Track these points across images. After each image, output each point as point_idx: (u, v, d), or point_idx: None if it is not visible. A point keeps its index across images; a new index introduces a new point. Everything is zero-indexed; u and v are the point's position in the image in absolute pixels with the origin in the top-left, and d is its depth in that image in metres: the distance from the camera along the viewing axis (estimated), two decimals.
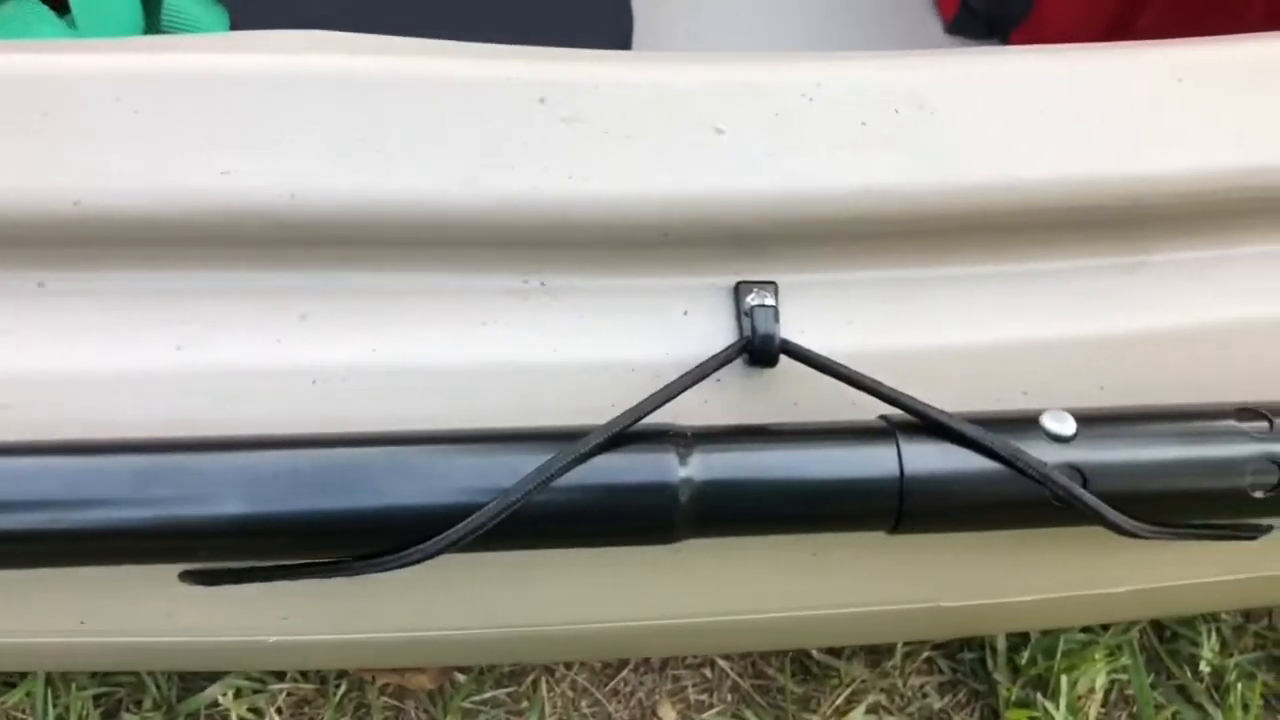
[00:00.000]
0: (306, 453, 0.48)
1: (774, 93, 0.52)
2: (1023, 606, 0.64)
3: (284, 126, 0.50)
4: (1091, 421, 0.51)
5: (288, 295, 0.52)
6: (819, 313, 0.54)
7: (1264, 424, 0.52)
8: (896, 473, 0.50)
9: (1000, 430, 0.50)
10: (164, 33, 0.80)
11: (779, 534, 0.52)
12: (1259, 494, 0.52)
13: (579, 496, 0.49)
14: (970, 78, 0.53)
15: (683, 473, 0.49)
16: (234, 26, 0.83)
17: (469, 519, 0.47)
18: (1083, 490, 0.49)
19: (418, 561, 0.48)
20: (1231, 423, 0.52)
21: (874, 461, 0.50)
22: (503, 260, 0.53)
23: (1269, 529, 0.57)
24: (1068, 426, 0.50)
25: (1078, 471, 0.50)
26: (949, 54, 0.55)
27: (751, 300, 0.53)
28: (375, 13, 0.87)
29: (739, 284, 0.54)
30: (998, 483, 0.50)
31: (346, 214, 0.50)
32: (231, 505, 0.48)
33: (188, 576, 0.52)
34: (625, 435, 0.49)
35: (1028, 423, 0.51)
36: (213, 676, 0.89)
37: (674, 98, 0.52)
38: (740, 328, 0.53)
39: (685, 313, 0.54)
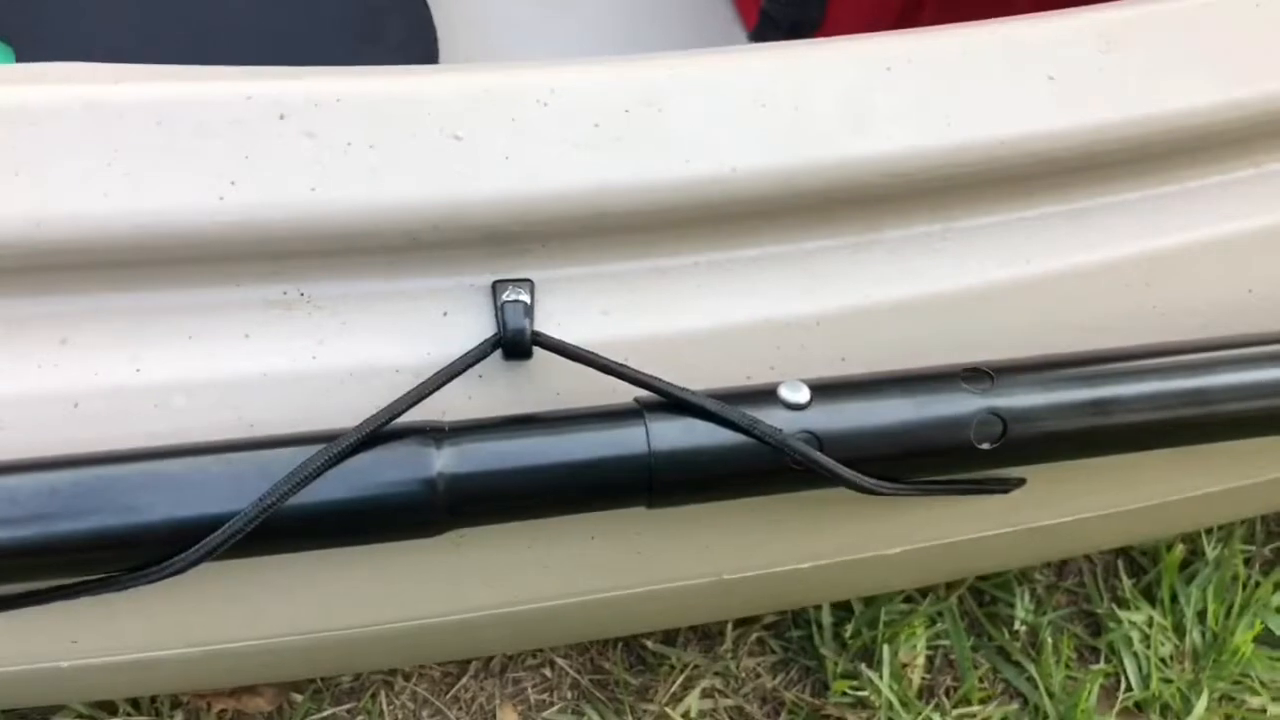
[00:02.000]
0: (63, 472, 0.49)
1: (509, 98, 0.55)
2: (806, 574, 0.67)
3: (27, 156, 0.51)
4: (826, 390, 0.55)
5: (46, 320, 0.53)
6: (575, 305, 0.57)
7: (987, 381, 0.56)
8: (645, 449, 0.52)
9: (741, 403, 0.53)
10: None
11: (540, 517, 0.54)
12: (986, 446, 0.56)
13: (338, 495, 0.50)
14: (695, 77, 0.56)
15: (438, 465, 0.51)
16: (20, 61, 0.83)
17: (225, 526, 0.48)
18: (818, 453, 0.53)
19: (180, 571, 0.49)
20: (958, 382, 0.56)
21: (623, 441, 0.53)
22: (261, 273, 0.55)
23: (1021, 481, 0.61)
24: (802, 395, 0.54)
25: (814, 436, 0.53)
26: (675, 55, 0.58)
27: (504, 297, 0.55)
28: (158, 46, 0.87)
29: (496, 282, 0.56)
30: (740, 452, 0.53)
31: (96, 238, 0.51)
32: None
33: None
34: (382, 434, 0.51)
35: (766, 394, 0.54)
36: (42, 717, 0.88)
37: (412, 108, 0.54)
38: (498, 324, 0.55)
39: (445, 313, 0.56)
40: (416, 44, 1.00)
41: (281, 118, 0.53)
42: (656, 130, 0.55)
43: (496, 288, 0.56)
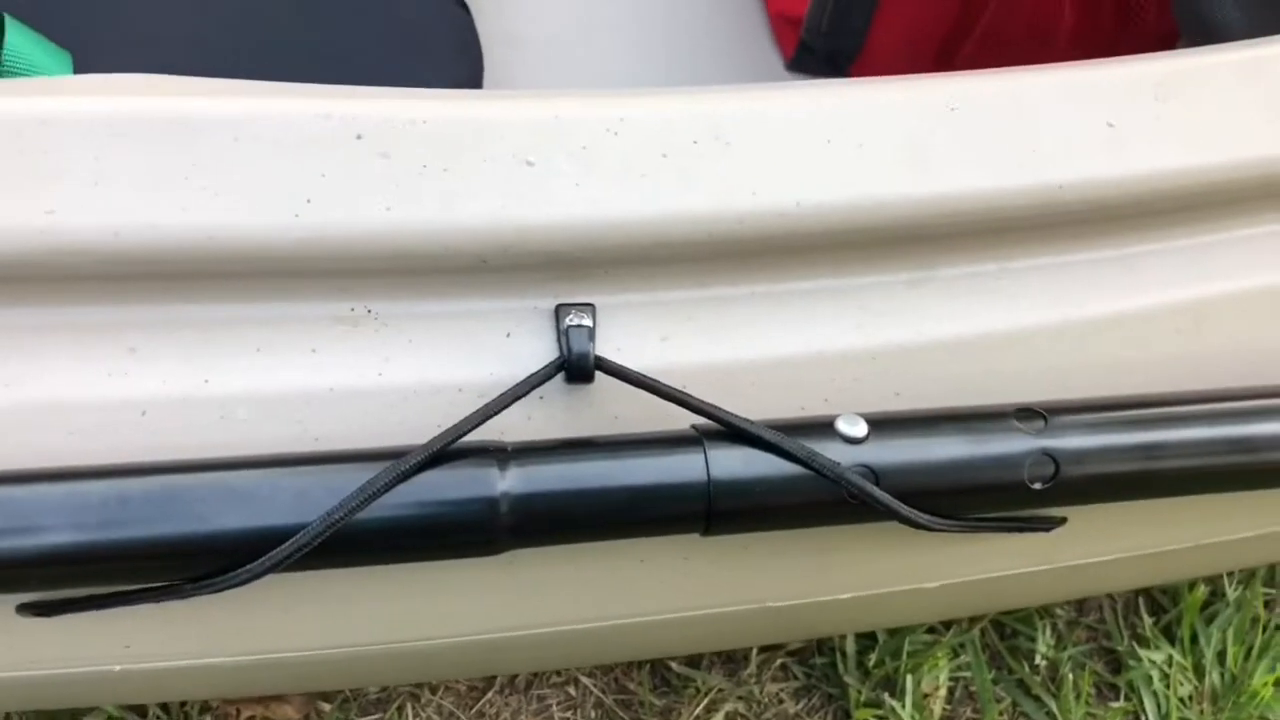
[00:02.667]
0: (133, 480, 0.50)
1: (581, 127, 0.56)
2: (845, 605, 0.68)
3: (108, 166, 0.52)
4: (883, 424, 0.56)
5: (117, 329, 0.54)
6: (636, 331, 0.58)
7: (1040, 422, 0.57)
8: (704, 477, 0.53)
9: (799, 435, 0.54)
10: (3, 77, 0.81)
11: (597, 540, 0.55)
12: (1038, 485, 0.56)
13: (403, 512, 0.51)
14: (763, 111, 0.57)
15: (502, 486, 0.52)
16: (79, 71, 0.84)
17: (293, 539, 0.49)
18: (874, 487, 0.54)
19: (245, 582, 0.50)
20: (1011, 421, 0.57)
21: (683, 468, 0.53)
22: (330, 289, 0.55)
23: (1062, 521, 0.62)
24: (860, 429, 0.55)
25: (870, 470, 0.54)
26: (746, 89, 0.59)
27: (569, 321, 0.56)
28: (216, 59, 0.88)
29: (559, 306, 0.57)
30: (798, 483, 0.54)
31: (172, 249, 0.52)
32: (62, 534, 0.49)
33: (25, 609, 0.53)
34: (447, 452, 0.52)
35: (824, 427, 0.55)
36: (72, 717, 0.89)
37: (487, 133, 0.55)
38: (560, 347, 0.56)
39: (509, 335, 0.57)
40: (463, 62, 1.00)
41: (358, 138, 0.54)
42: (724, 162, 0.56)
43: (560, 311, 0.57)
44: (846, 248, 0.59)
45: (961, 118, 0.59)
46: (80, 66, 0.86)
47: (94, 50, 0.85)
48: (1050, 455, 0.56)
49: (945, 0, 1.09)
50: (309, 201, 0.53)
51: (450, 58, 1.00)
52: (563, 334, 0.56)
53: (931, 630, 1.01)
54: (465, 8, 1.04)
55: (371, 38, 0.98)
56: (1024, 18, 1.05)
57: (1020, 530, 0.60)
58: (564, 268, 0.57)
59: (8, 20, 0.83)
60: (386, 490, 0.50)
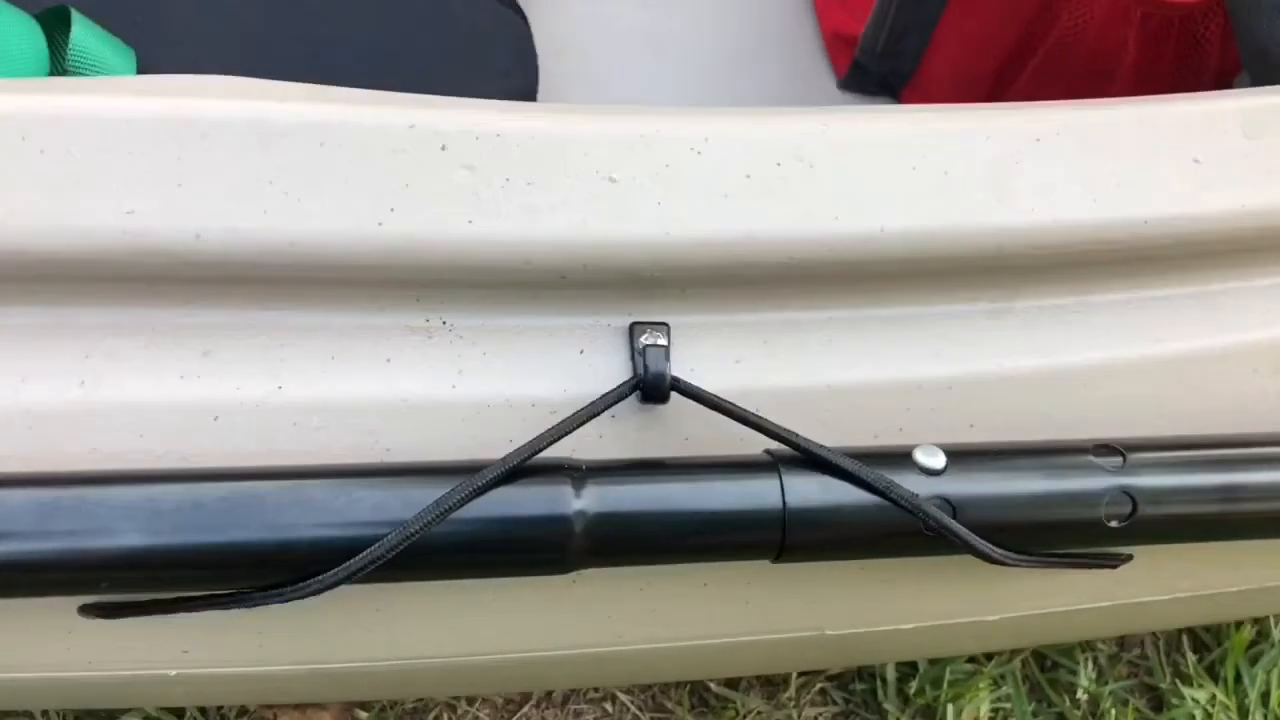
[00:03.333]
0: (207, 485, 0.50)
1: (664, 145, 0.55)
2: (902, 635, 0.67)
3: (190, 168, 0.51)
4: (961, 456, 0.55)
5: (192, 332, 0.54)
6: (709, 352, 0.57)
7: (1118, 459, 0.56)
8: (779, 504, 0.52)
9: (876, 464, 0.53)
10: (70, 74, 0.81)
11: (669, 563, 0.54)
12: (1114, 524, 0.56)
13: (476, 528, 0.51)
14: (847, 135, 0.57)
15: (577, 505, 0.51)
16: (142, 68, 0.84)
17: (367, 551, 0.49)
18: (952, 520, 0.53)
19: (316, 593, 0.49)
20: (1089, 458, 0.56)
21: (758, 494, 0.53)
22: (406, 299, 0.55)
23: (1129, 558, 0.61)
24: (938, 460, 0.54)
25: (947, 503, 0.53)
26: (829, 111, 0.59)
27: (644, 340, 0.56)
28: (273, 59, 0.88)
29: (633, 324, 0.57)
30: (873, 513, 0.53)
31: (252, 254, 0.52)
32: (132, 537, 0.49)
33: (88, 610, 0.53)
34: (522, 469, 0.51)
35: (901, 457, 0.54)
36: (109, 716, 0.88)
37: (570, 148, 0.54)
38: (634, 366, 0.56)
39: (582, 351, 0.56)
40: (519, 73, 1.00)
41: (443, 149, 0.53)
42: (807, 185, 0.56)
43: (634, 330, 0.56)
44: (927, 276, 0.58)
45: (1047, 148, 0.58)
46: (143, 66, 0.86)
47: (152, 47, 0.85)
48: (1128, 493, 0.55)
49: (1005, 27, 1.08)
50: (392, 211, 0.52)
51: (506, 66, 1.00)
52: (638, 353, 0.55)
53: (972, 660, 1.00)
54: (523, 16, 1.03)
55: (429, 43, 0.98)
56: (1086, 50, 1.04)
57: (1091, 567, 0.59)
58: (641, 286, 0.56)
59: (74, 15, 0.83)
60: (462, 505, 0.50)
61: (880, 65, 1.20)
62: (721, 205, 0.55)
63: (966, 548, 0.53)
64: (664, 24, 1.20)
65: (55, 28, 0.82)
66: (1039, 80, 1.10)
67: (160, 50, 0.87)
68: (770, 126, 0.57)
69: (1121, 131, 0.59)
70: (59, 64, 0.82)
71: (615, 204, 0.54)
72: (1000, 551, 0.54)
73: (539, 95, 1.01)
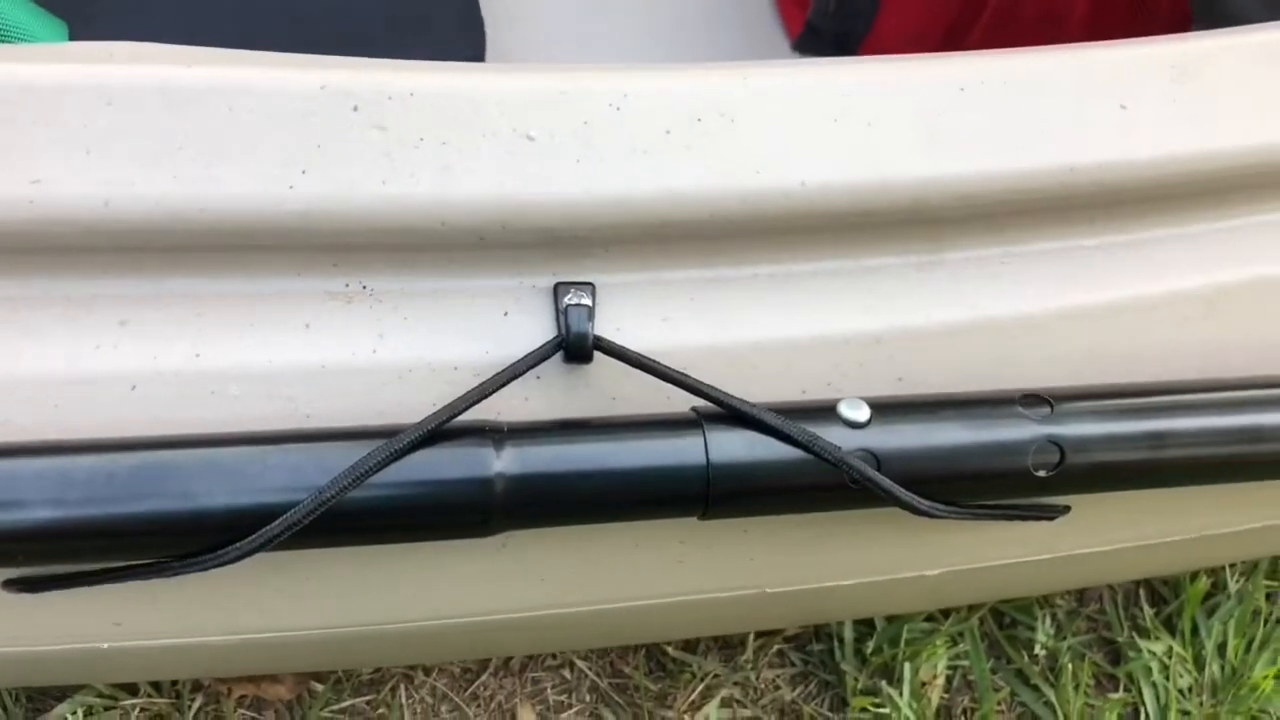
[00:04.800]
0: (120, 455, 0.49)
1: (583, 101, 0.54)
2: (845, 591, 0.67)
3: (98, 135, 0.51)
4: (885, 409, 0.54)
5: (107, 302, 0.53)
6: (635, 311, 0.57)
7: (1046, 408, 0.56)
8: (703, 460, 0.52)
9: (800, 418, 0.53)
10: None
11: (594, 523, 0.54)
12: (1042, 473, 0.55)
13: (396, 492, 0.50)
14: (768, 88, 0.56)
15: (498, 466, 0.51)
16: (73, 39, 0.83)
17: (283, 517, 0.48)
18: (876, 472, 0.53)
19: (235, 560, 0.49)
20: (1016, 408, 0.56)
21: (682, 450, 0.52)
22: (324, 264, 0.54)
23: (1066, 510, 0.61)
24: (862, 413, 0.54)
25: (872, 455, 0.53)
26: (749, 65, 0.58)
27: (567, 300, 0.55)
28: (216, 31, 0.87)
29: (557, 284, 0.56)
30: (798, 467, 0.53)
31: (163, 220, 0.51)
32: (47, 509, 0.48)
33: (11, 584, 0.53)
34: (442, 431, 0.51)
35: (826, 411, 0.54)
36: (61, 695, 0.88)
37: (486, 106, 0.54)
38: (558, 327, 0.55)
39: (506, 313, 0.56)
40: (465, 39, 0.99)
41: (355, 109, 0.53)
42: (727, 140, 0.55)
43: (559, 290, 0.56)
44: (853, 229, 0.57)
45: (972, 98, 0.57)
46: (75, 35, 0.84)
47: (87, 19, 0.84)
48: (1055, 442, 0.55)
49: None
50: (304, 173, 0.52)
51: (453, 35, 0.99)
52: (561, 313, 0.55)
53: (930, 619, 1.00)
54: None
55: (373, 13, 0.96)
56: (1035, 3, 1.03)
57: (1023, 518, 0.59)
58: (563, 246, 0.56)
59: None
60: (379, 469, 0.49)
61: (834, 26, 1.19)
62: (641, 162, 0.54)
63: (892, 500, 0.53)
64: None
65: None
66: (991, 35, 1.10)
67: (91, 23, 0.85)
68: (690, 81, 0.56)
69: (1048, 79, 0.59)
70: None
71: (532, 161, 0.53)
72: (927, 503, 0.54)
73: (486, 62, 1.00)
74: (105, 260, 0.53)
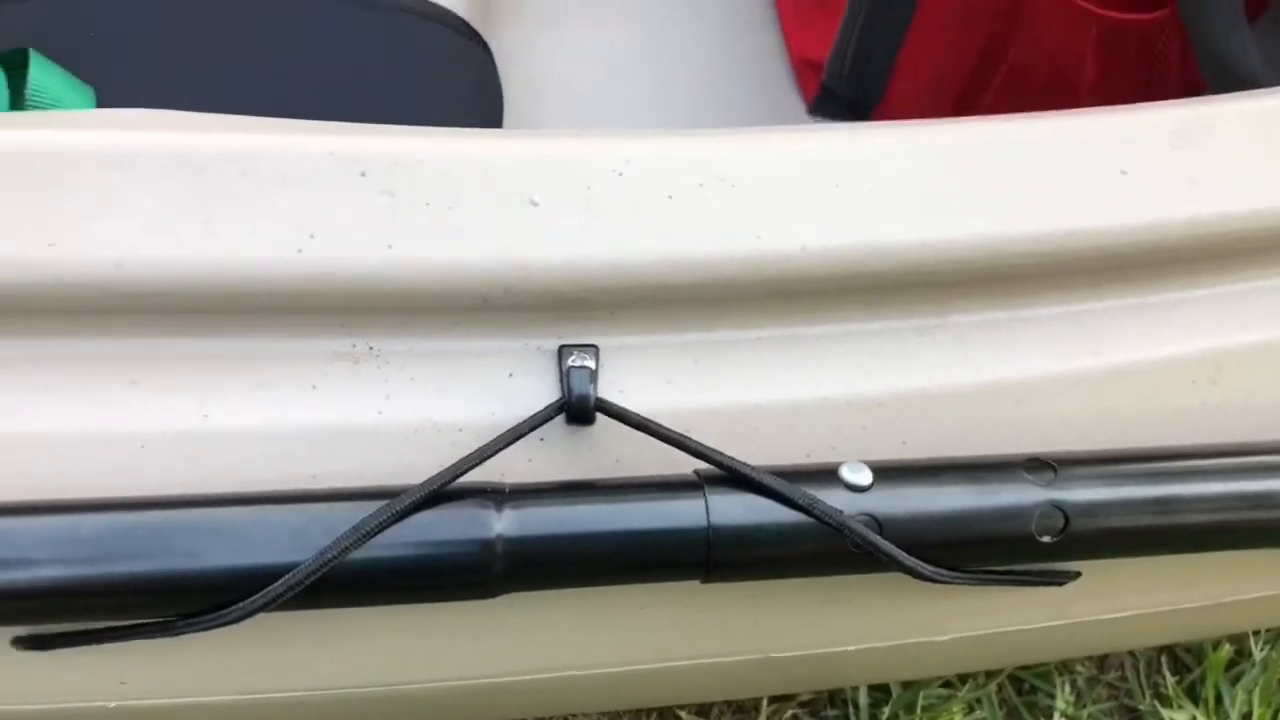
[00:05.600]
0: (127, 514, 0.50)
1: (586, 167, 0.55)
2: (851, 657, 0.66)
3: (111, 200, 0.52)
4: (888, 472, 0.54)
5: (118, 362, 0.54)
6: (638, 373, 0.57)
7: (1050, 473, 0.55)
8: (704, 523, 0.52)
9: (801, 482, 0.53)
10: (29, 109, 0.82)
11: (594, 585, 0.54)
12: (1047, 539, 0.55)
13: (398, 552, 0.51)
14: (769, 154, 0.57)
15: (498, 527, 0.51)
16: (102, 105, 0.85)
17: (285, 577, 0.49)
18: (878, 537, 0.53)
19: (238, 619, 0.49)
20: (1020, 472, 0.56)
21: (683, 513, 0.52)
22: (332, 325, 0.55)
23: (1075, 575, 0.60)
24: (864, 477, 0.54)
25: (874, 519, 0.53)
26: (751, 132, 0.59)
27: (570, 362, 0.56)
28: (237, 98, 0.89)
29: (562, 347, 0.57)
30: (800, 531, 0.53)
31: (174, 283, 0.52)
32: (54, 568, 0.49)
33: (20, 642, 0.53)
34: (444, 493, 0.51)
35: (827, 474, 0.54)
36: None
37: (491, 171, 0.55)
38: (561, 389, 0.56)
39: (510, 375, 0.56)
40: (482, 102, 1.01)
41: (363, 175, 0.54)
42: (729, 205, 0.56)
43: (563, 352, 0.56)
44: (855, 293, 0.58)
45: (972, 162, 0.58)
46: (103, 101, 0.87)
47: (117, 85, 0.86)
48: (1059, 508, 0.55)
49: (965, 49, 1.08)
50: (312, 237, 0.53)
51: (469, 96, 1.00)
52: (565, 375, 0.55)
53: (947, 684, 0.99)
54: (485, 46, 1.04)
55: (390, 75, 0.98)
56: (1045, 67, 1.04)
57: (1029, 584, 0.59)
58: (568, 308, 0.56)
59: (32, 55, 0.84)
60: (381, 530, 0.50)
61: (847, 90, 1.20)
62: (645, 227, 0.55)
63: (895, 565, 0.53)
64: (631, 54, 1.21)
65: (15, 68, 0.84)
66: (1003, 99, 1.11)
67: (120, 89, 0.88)
68: (693, 148, 0.57)
69: (1049, 144, 0.60)
70: (18, 103, 0.83)
71: (536, 226, 0.54)
72: (930, 569, 0.54)
73: (504, 125, 1.02)
74: (117, 321, 0.54)
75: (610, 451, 0.56)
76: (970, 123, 0.60)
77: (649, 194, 0.55)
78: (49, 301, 0.52)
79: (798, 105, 1.24)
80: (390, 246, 0.53)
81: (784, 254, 0.55)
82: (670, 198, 0.55)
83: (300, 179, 0.53)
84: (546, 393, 0.56)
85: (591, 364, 0.56)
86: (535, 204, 0.55)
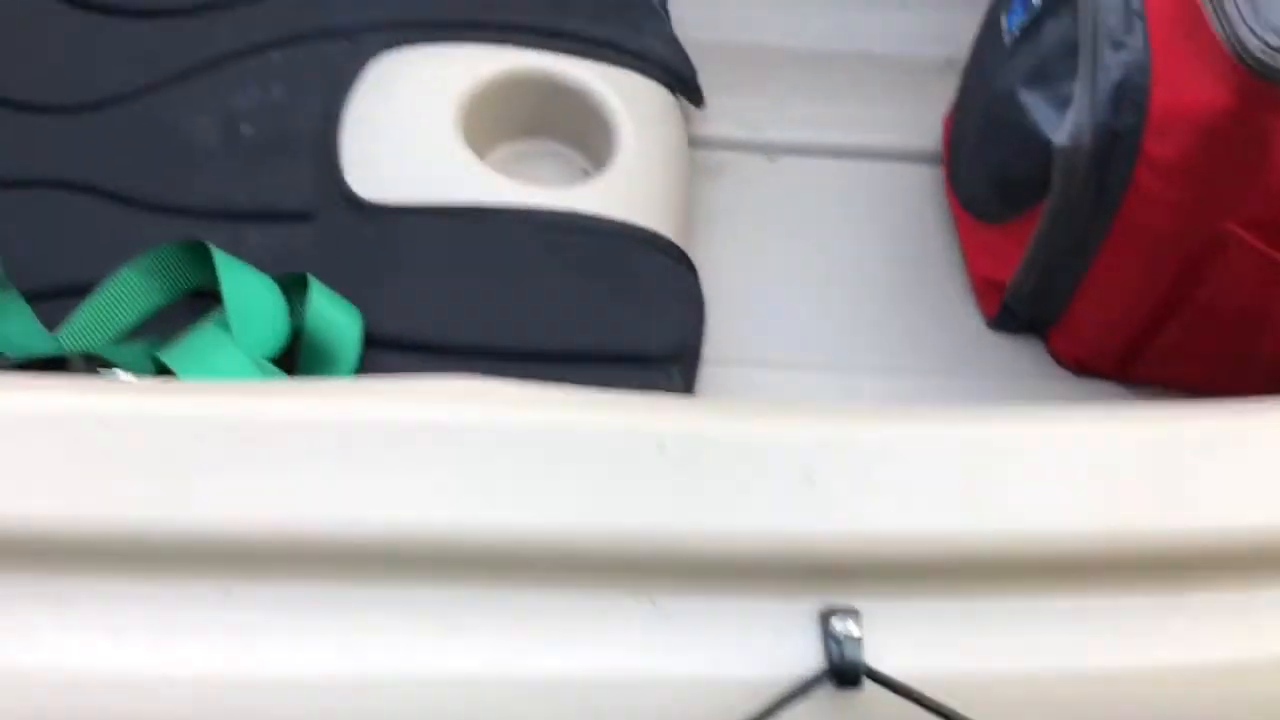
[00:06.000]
0: None
1: (857, 449, 0.62)
2: None
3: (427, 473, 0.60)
4: None
5: (425, 612, 0.60)
6: (896, 638, 0.61)
7: None
8: None
9: None
10: (308, 331, 0.91)
11: None
12: None
13: None
14: (1030, 439, 0.63)
15: None
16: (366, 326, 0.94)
17: None
18: None
19: None
20: None
21: None
22: (619, 581, 0.61)
23: None
24: None
25: None
26: (1012, 416, 0.65)
27: (837, 627, 0.60)
28: (484, 322, 0.97)
29: (825, 612, 0.61)
30: None
31: (478, 543, 0.59)
32: None
33: None
34: None
35: None
36: None
37: (775, 450, 0.61)
38: (827, 650, 0.60)
39: (778, 633, 0.61)
40: (690, 326, 1.06)
41: (660, 449, 0.60)
42: (990, 484, 0.61)
43: (826, 617, 0.61)
44: (1094, 570, 0.62)
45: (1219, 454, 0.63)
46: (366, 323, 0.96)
47: (378, 314, 0.96)
48: None
49: (1154, 280, 1.12)
50: (612, 500, 0.60)
51: (680, 318, 1.07)
52: (832, 639, 0.60)
53: None
54: (694, 270, 1.11)
55: (607, 300, 1.04)
56: (1236, 304, 1.07)
57: None
58: (833, 576, 0.61)
59: (312, 281, 0.94)
60: None
61: (1028, 308, 1.25)
62: (909, 504, 0.61)
63: None
64: (814, 270, 1.27)
65: (294, 290, 0.94)
66: (1190, 329, 1.13)
67: (384, 316, 0.96)
68: (958, 427, 0.63)
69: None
70: (296, 322, 0.93)
71: (811, 502, 0.60)
72: None
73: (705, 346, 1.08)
74: (414, 573, 0.60)
75: (873, 714, 0.60)
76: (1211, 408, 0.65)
77: (915, 475, 0.61)
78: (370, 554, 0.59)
79: (976, 321, 1.29)
80: (679, 515, 0.59)
81: (1042, 533, 0.60)
82: (932, 478, 0.61)
83: (602, 454, 0.60)
84: (808, 653, 0.60)
85: (856, 630, 0.60)
86: (812, 483, 0.60)
